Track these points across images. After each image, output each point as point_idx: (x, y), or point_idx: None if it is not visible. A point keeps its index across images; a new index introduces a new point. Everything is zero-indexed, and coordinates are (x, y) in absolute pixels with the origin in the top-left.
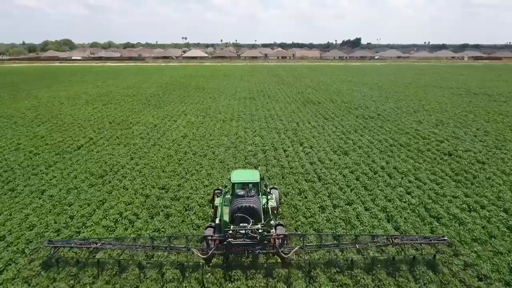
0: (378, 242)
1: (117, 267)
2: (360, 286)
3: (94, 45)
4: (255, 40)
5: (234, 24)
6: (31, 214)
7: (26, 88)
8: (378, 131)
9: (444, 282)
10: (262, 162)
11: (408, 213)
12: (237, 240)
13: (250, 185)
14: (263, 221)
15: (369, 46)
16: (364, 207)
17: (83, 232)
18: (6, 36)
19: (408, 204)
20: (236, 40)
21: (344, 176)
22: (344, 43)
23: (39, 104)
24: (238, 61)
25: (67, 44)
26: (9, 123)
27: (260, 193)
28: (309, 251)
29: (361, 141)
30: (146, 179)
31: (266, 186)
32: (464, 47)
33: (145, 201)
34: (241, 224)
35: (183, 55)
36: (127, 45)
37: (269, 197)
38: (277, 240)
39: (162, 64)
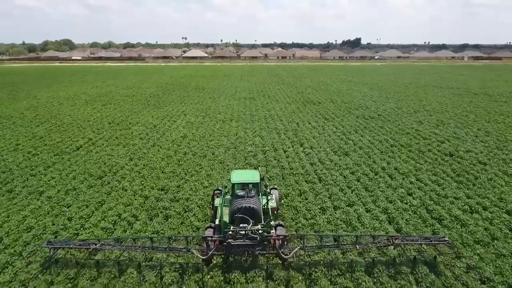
0: (379, 242)
1: (116, 269)
2: None
3: (94, 45)
4: (255, 40)
5: (234, 24)
6: (29, 215)
7: (26, 88)
8: (378, 131)
9: (446, 285)
10: (262, 163)
11: (410, 214)
12: (237, 241)
13: (250, 185)
14: (263, 222)
15: (369, 46)
16: (365, 208)
17: (81, 234)
18: (6, 36)
19: (409, 205)
20: (236, 40)
21: (344, 177)
22: (344, 43)
23: (38, 105)
24: (238, 61)
25: (67, 44)
26: (7, 124)
27: (260, 194)
28: (309, 252)
29: (361, 142)
30: (145, 180)
31: (266, 186)
32: (464, 47)
33: (144, 202)
34: (241, 225)
35: (183, 55)
36: (127, 45)
37: (269, 197)
38: (277, 241)
39: (162, 64)
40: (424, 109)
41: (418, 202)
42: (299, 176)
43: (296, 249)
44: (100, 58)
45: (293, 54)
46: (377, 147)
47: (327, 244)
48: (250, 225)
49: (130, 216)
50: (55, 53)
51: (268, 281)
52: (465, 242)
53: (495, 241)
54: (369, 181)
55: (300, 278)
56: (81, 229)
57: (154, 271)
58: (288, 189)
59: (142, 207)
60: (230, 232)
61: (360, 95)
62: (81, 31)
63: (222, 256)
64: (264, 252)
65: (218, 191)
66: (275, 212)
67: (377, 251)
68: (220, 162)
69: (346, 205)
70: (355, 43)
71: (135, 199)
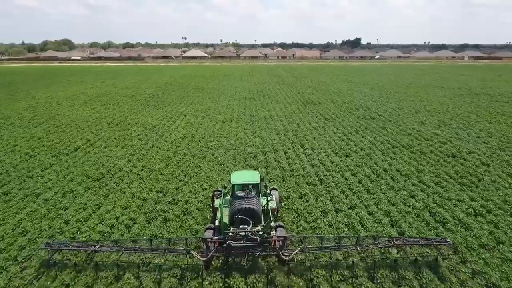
0: (380, 244)
1: (114, 273)
2: None
3: (93, 45)
4: (255, 40)
5: (234, 24)
6: (25, 219)
7: (25, 88)
8: (379, 132)
9: None
10: (262, 164)
11: (413, 217)
12: (237, 242)
13: (250, 186)
14: (263, 223)
15: (369, 46)
16: (367, 211)
17: (78, 238)
18: (6, 36)
19: (412, 208)
20: (236, 40)
21: (346, 178)
22: (344, 43)
23: (37, 105)
24: (238, 61)
25: (67, 44)
26: (5, 124)
27: (260, 194)
28: (310, 254)
29: (362, 143)
30: (144, 182)
31: (266, 187)
32: (464, 47)
33: (142, 205)
34: (241, 226)
35: (182, 55)
36: (127, 45)
37: (269, 198)
38: (277, 242)
39: (162, 64)
40: (425, 110)
41: (421, 205)
42: (299, 177)
43: (297, 250)
44: (99, 58)
45: (293, 54)
46: (379, 148)
47: (327, 245)
48: (250, 226)
49: (128, 219)
50: (54, 53)
51: (269, 287)
52: (469, 246)
53: (501, 245)
54: (370, 183)
55: (301, 284)
56: (78, 232)
57: (152, 277)
58: (289, 191)
59: (140, 210)
60: (230, 233)
61: (360, 95)
62: (81, 31)
63: (222, 257)
64: (265, 253)
65: (218, 192)
66: (275, 213)
67: (379, 254)
68: (220, 164)
69: (348, 208)
70: (355, 43)
71: (133, 202)
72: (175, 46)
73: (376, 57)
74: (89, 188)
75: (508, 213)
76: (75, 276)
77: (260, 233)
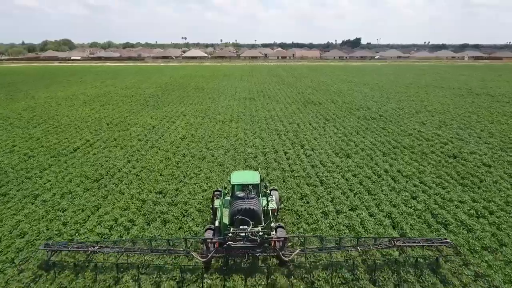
0: (380, 244)
1: (113, 275)
2: None
3: (93, 45)
4: (255, 40)
5: (234, 24)
6: (23, 220)
7: (24, 88)
8: (380, 132)
9: None
10: (262, 165)
11: (414, 219)
12: (237, 242)
13: (250, 186)
14: (263, 223)
15: (369, 46)
16: (368, 212)
17: (76, 240)
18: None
19: (414, 209)
20: (236, 40)
21: (346, 179)
22: (344, 43)
23: (36, 105)
24: (238, 61)
25: (67, 44)
26: (4, 124)
27: (260, 195)
28: (310, 255)
29: (363, 143)
30: (143, 183)
31: (266, 187)
32: (464, 47)
33: (141, 206)
34: (241, 227)
35: (182, 55)
36: (127, 45)
37: (269, 198)
38: (277, 243)
39: (162, 64)
40: (425, 110)
41: (422, 206)
42: (300, 178)
43: (297, 251)
44: (99, 58)
45: (293, 54)
46: (379, 148)
47: (328, 246)
48: (250, 226)
49: (127, 220)
50: (54, 53)
51: None
52: (472, 248)
53: (503, 247)
54: (371, 184)
55: (302, 287)
56: (76, 234)
57: (151, 280)
58: (289, 192)
59: (139, 211)
60: (230, 234)
61: (361, 96)
62: (81, 31)
63: (222, 258)
64: (265, 254)
65: (218, 192)
66: (276, 214)
67: (380, 256)
68: (220, 164)
69: (349, 209)
70: (355, 43)
71: (132, 203)
72: (175, 46)
73: (376, 57)
74: (88, 189)
75: (511, 215)
76: (73, 278)
77: (260, 233)
